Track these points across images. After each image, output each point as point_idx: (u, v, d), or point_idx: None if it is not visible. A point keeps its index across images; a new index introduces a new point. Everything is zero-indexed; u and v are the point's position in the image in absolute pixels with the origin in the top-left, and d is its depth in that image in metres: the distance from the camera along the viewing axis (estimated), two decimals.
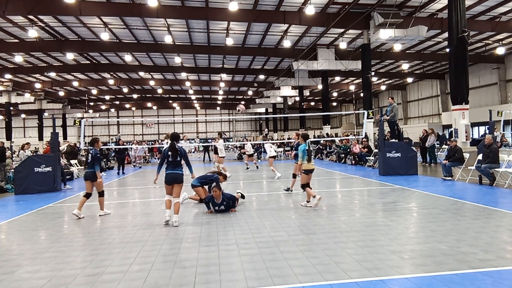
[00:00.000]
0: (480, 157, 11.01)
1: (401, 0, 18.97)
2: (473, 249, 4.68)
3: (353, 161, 18.82)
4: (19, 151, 18.07)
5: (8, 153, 15.68)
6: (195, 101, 57.00)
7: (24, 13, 18.67)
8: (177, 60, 30.02)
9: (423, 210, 7.26)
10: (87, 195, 7.70)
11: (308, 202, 8.06)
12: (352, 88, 43.07)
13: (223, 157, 14.71)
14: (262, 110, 54.20)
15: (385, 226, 6.02)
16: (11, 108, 38.56)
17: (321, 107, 45.69)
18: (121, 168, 18.06)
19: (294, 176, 9.87)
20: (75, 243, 5.66)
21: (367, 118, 18.25)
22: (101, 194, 7.83)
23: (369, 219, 6.58)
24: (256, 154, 27.13)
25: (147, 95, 50.57)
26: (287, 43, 24.14)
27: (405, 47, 27.44)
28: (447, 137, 20.93)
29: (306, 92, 44.70)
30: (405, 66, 34.63)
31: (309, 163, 7.97)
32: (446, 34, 20.27)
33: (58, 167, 12.11)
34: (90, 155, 7.74)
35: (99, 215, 7.71)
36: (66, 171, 14.91)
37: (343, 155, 20.58)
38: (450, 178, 11.45)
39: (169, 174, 6.78)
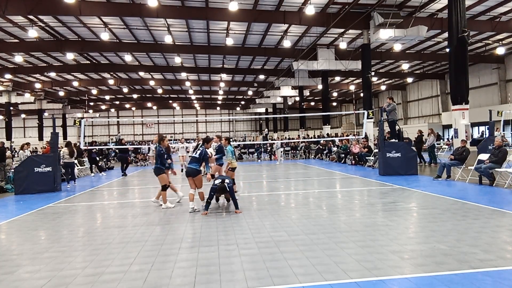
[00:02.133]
0: (480, 157, 11.02)
1: (401, 0, 18.97)
2: (473, 249, 4.68)
3: (353, 161, 18.82)
4: (18, 152, 18.08)
5: (8, 153, 15.68)
6: (195, 101, 57.03)
7: (24, 13, 18.68)
8: (177, 60, 30.03)
9: (423, 210, 7.26)
10: (163, 188, 8.53)
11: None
12: (352, 88, 43.09)
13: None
14: (262, 110, 54.22)
15: (385, 226, 6.01)
16: (11, 108, 38.57)
17: (321, 107, 45.73)
18: (124, 167, 17.65)
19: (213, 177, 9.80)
20: (75, 243, 5.66)
21: (367, 118, 18.25)
22: (163, 188, 8.51)
23: (369, 219, 6.58)
24: (256, 154, 27.23)
25: (147, 95, 50.58)
26: (287, 43, 24.15)
27: (405, 47, 27.45)
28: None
29: (306, 92, 44.73)
30: (405, 66, 34.64)
31: (235, 161, 9.28)
32: (446, 34, 20.28)
33: (58, 167, 12.13)
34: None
35: (162, 207, 8.42)
36: None
37: (343, 155, 20.58)
38: (440, 178, 11.44)
39: (187, 168, 8.10)
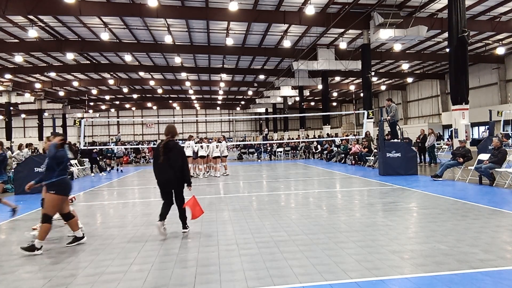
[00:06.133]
0: (480, 157, 11.02)
1: (401, 0, 18.97)
2: (473, 249, 4.68)
3: (353, 161, 18.82)
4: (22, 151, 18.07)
5: (9, 153, 15.67)
6: (195, 101, 57.01)
7: (24, 13, 18.67)
8: (177, 60, 30.02)
9: (423, 210, 7.26)
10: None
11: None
12: (352, 88, 43.07)
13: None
14: (262, 110, 54.18)
15: (385, 226, 6.01)
16: (11, 108, 38.55)
17: (321, 107, 45.73)
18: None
19: None
20: None
21: (367, 118, 18.23)
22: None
23: (369, 219, 6.58)
24: (256, 154, 27.23)
25: (147, 95, 50.57)
26: (287, 43, 24.14)
27: (405, 47, 27.45)
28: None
29: (306, 92, 44.69)
30: (405, 66, 34.63)
31: None
32: (446, 34, 20.27)
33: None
34: None
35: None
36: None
37: (343, 155, 20.59)
38: (440, 179, 11.43)
39: None
